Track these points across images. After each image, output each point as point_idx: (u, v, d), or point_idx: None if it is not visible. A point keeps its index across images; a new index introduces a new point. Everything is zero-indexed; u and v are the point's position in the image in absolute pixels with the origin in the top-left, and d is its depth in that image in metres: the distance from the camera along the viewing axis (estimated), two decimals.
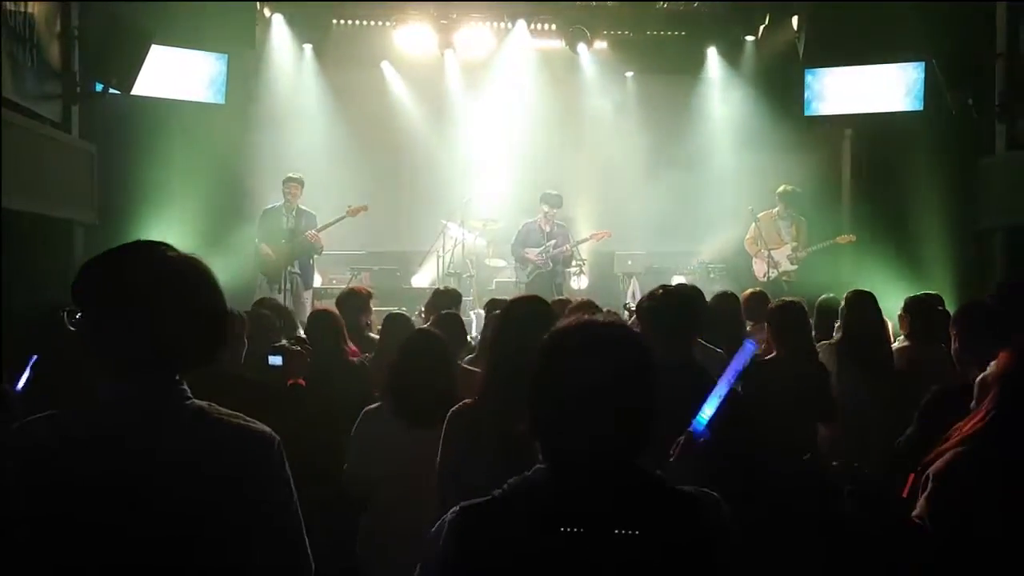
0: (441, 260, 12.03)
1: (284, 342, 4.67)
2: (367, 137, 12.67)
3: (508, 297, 5.29)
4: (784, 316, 5.20)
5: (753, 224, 10.51)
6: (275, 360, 4.54)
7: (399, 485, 3.80)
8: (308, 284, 10.54)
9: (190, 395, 2.00)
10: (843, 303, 5.67)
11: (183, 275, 2.00)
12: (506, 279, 11.70)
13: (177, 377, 2.00)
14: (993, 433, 2.76)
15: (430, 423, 3.43)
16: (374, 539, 4.05)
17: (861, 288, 5.93)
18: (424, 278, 12.23)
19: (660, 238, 12.76)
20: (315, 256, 10.54)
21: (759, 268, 10.56)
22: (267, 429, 2.02)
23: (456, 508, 1.83)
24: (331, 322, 5.69)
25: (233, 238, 10.58)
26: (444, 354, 4.05)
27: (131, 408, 1.93)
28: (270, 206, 10.43)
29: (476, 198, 12.28)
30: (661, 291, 3.58)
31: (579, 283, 11.76)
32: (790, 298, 5.55)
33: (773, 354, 5.18)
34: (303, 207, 10.34)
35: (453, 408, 3.30)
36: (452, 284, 11.83)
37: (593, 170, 12.83)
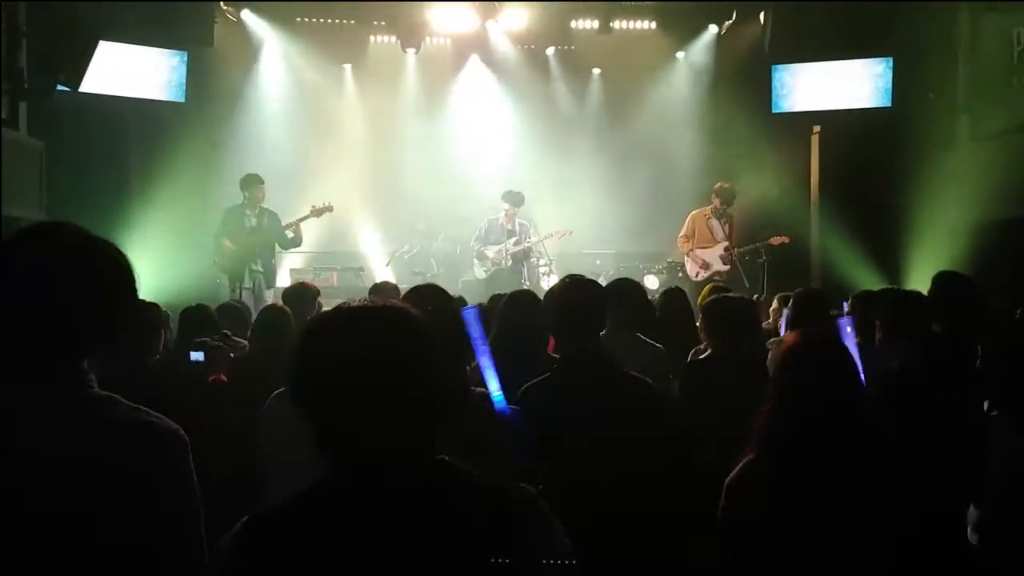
0: (406, 259, 11.94)
1: (207, 338, 4.55)
2: (332, 136, 12.57)
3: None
4: (717, 310, 5.07)
5: (686, 222, 10.37)
6: (196, 356, 4.43)
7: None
8: (271, 283, 10.37)
9: (93, 383, 1.85)
10: (791, 302, 5.54)
11: (86, 257, 1.86)
12: (471, 278, 11.59)
13: (80, 364, 1.85)
14: (770, 439, 2.67)
15: None
16: None
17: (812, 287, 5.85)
18: (388, 277, 12.09)
19: (629, 238, 12.70)
20: (276, 256, 10.40)
21: (691, 268, 10.39)
22: (173, 425, 1.86)
23: (244, 519, 1.65)
24: (279, 319, 5.56)
25: (194, 236, 10.43)
26: None
27: (18, 391, 1.78)
28: (232, 204, 10.29)
29: (442, 197, 12.19)
30: (568, 279, 3.46)
31: (548, 283, 11.68)
32: (726, 293, 5.42)
33: (709, 351, 5.05)
34: (264, 205, 10.21)
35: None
36: (417, 283, 11.74)
37: (561, 169, 12.71)
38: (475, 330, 2.63)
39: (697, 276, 10.10)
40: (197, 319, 5.37)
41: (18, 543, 1.71)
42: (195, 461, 1.88)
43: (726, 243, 10.17)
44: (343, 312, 1.71)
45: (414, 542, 1.57)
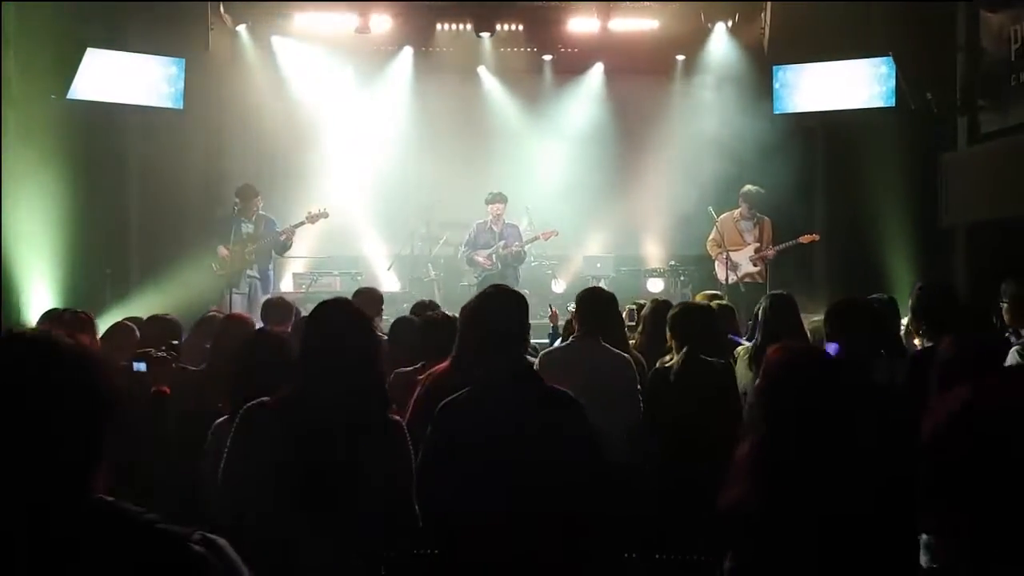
0: (407, 263, 11.91)
1: (151, 348, 4.50)
2: (332, 140, 12.55)
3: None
4: (682, 320, 5.05)
5: (715, 226, 10.21)
6: (139, 366, 4.37)
7: None
8: (267, 290, 10.37)
9: None
10: (760, 306, 5.43)
11: None
12: (470, 283, 11.52)
13: None
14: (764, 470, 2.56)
15: None
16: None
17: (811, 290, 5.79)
18: (391, 280, 12.10)
19: (630, 241, 12.65)
20: (274, 261, 10.41)
21: (720, 271, 10.23)
22: None
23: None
24: (240, 331, 5.48)
25: (193, 243, 10.45)
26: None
27: None
28: (230, 211, 10.31)
29: (442, 202, 12.14)
30: (490, 289, 3.35)
31: (557, 287, 11.65)
32: (689, 301, 5.39)
33: (673, 360, 4.99)
34: (262, 212, 10.22)
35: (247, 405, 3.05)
36: (416, 288, 11.71)
37: (562, 172, 12.58)
38: None
39: (728, 280, 9.99)
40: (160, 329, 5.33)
41: None
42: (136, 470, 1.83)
43: (756, 245, 10.11)
44: None
45: None
